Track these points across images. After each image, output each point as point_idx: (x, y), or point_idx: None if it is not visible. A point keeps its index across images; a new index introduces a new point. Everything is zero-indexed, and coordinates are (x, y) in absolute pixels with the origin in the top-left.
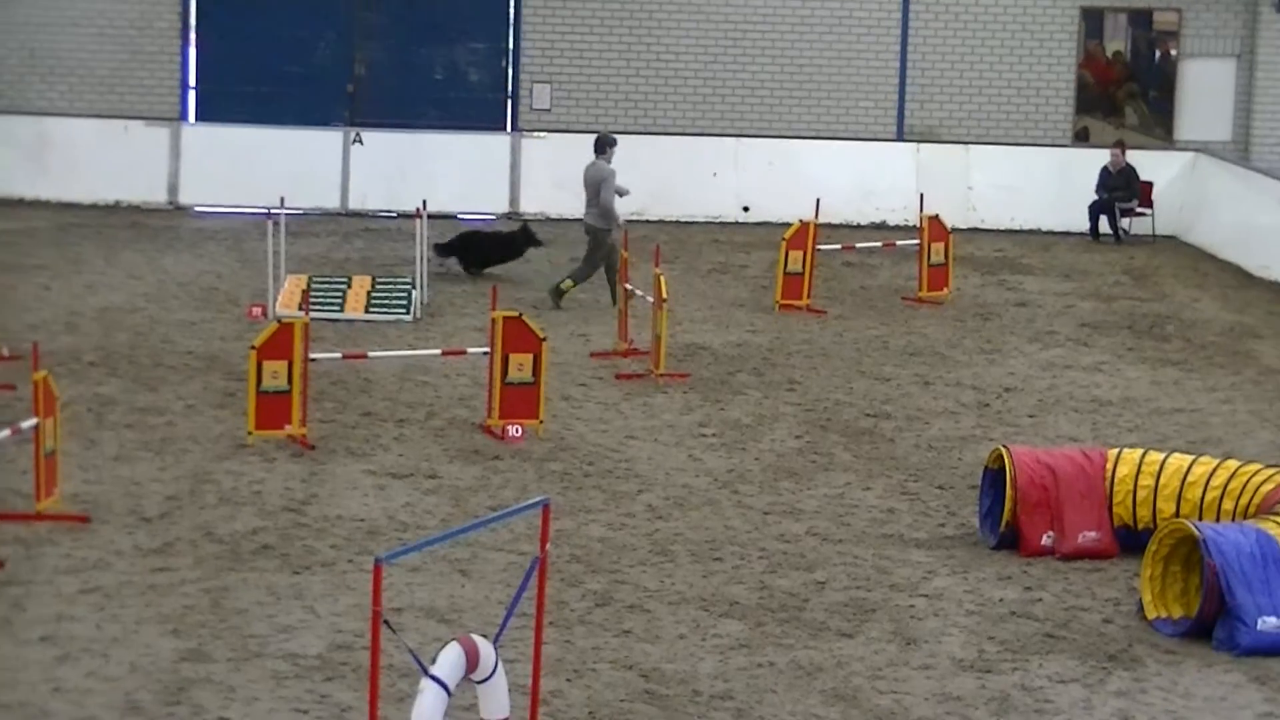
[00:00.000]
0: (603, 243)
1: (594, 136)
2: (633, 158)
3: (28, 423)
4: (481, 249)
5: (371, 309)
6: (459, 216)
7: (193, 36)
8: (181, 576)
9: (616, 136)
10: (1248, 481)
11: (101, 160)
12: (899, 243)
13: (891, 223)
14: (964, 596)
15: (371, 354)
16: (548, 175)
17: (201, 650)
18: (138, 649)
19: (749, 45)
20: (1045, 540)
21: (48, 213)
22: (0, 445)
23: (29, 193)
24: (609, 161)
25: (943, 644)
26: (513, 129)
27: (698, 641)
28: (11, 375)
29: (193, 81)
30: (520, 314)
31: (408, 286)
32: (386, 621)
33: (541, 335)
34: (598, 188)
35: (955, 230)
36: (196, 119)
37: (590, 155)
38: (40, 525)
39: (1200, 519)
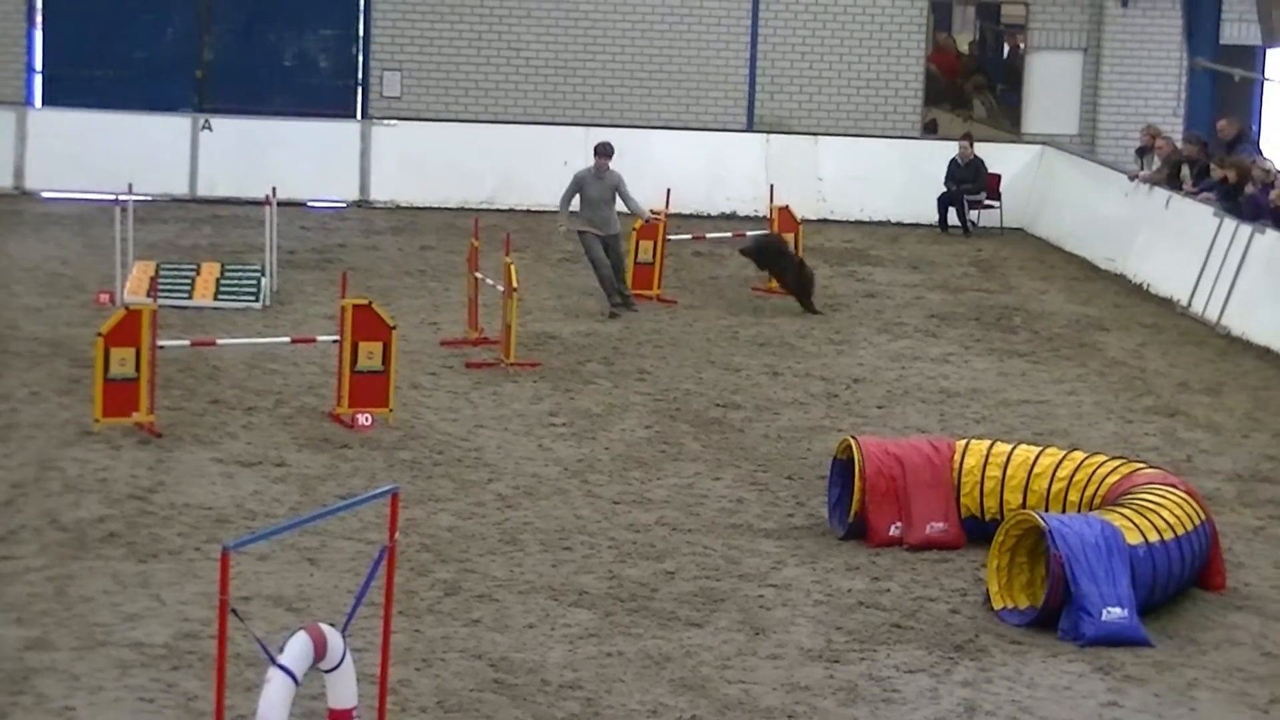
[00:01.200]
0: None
1: (601, 143)
2: (483, 146)
3: None
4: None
5: (220, 296)
6: (309, 204)
7: (39, 19)
8: (26, 564)
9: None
10: (1093, 473)
11: None
12: (749, 233)
13: (741, 213)
14: (812, 586)
15: (220, 341)
16: (398, 163)
17: (46, 639)
18: None
19: (600, 34)
20: (893, 530)
21: None
22: None
23: None
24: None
25: (791, 634)
26: (363, 116)
27: (547, 631)
28: None
29: (39, 65)
30: (370, 302)
31: (257, 274)
32: (234, 610)
33: (391, 323)
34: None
35: (805, 221)
36: (43, 103)
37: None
38: None
39: (1047, 510)
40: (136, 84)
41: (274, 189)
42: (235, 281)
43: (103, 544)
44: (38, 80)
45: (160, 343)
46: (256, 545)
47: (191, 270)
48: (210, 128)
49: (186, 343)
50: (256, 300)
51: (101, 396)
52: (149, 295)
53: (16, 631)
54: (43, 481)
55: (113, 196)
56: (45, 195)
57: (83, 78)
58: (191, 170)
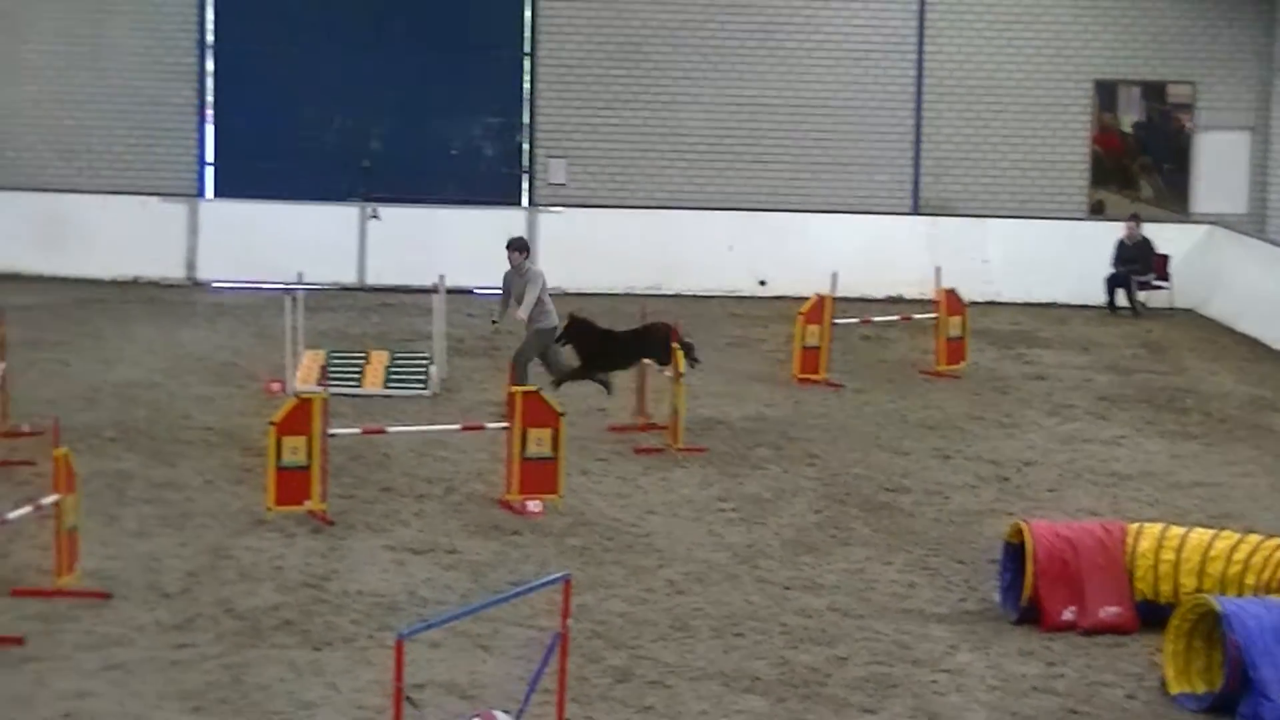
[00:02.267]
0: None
1: (513, 239)
2: (647, 232)
3: (48, 499)
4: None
5: (389, 384)
6: (475, 291)
7: (210, 113)
8: (202, 652)
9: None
10: (1270, 556)
11: (119, 236)
12: (915, 316)
13: (907, 296)
14: (986, 672)
15: (390, 429)
16: (563, 249)
17: None
18: None
19: (763, 118)
20: (1066, 615)
21: (66, 289)
22: (21, 521)
23: (46, 269)
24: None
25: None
26: (529, 203)
27: (719, 718)
28: (32, 451)
29: (210, 157)
30: (538, 389)
31: (425, 361)
32: (409, 697)
33: (560, 410)
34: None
35: (971, 303)
36: (214, 195)
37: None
38: (61, 601)
39: (1223, 594)
40: (305, 175)
41: (442, 277)
42: (404, 369)
43: (277, 631)
44: (209, 172)
45: (331, 431)
46: (429, 632)
47: (361, 358)
48: (378, 217)
49: (357, 431)
50: (425, 388)
51: (274, 485)
52: (319, 384)
53: (195, 719)
54: (217, 569)
55: (282, 286)
56: (216, 285)
57: (253, 169)
58: (360, 259)
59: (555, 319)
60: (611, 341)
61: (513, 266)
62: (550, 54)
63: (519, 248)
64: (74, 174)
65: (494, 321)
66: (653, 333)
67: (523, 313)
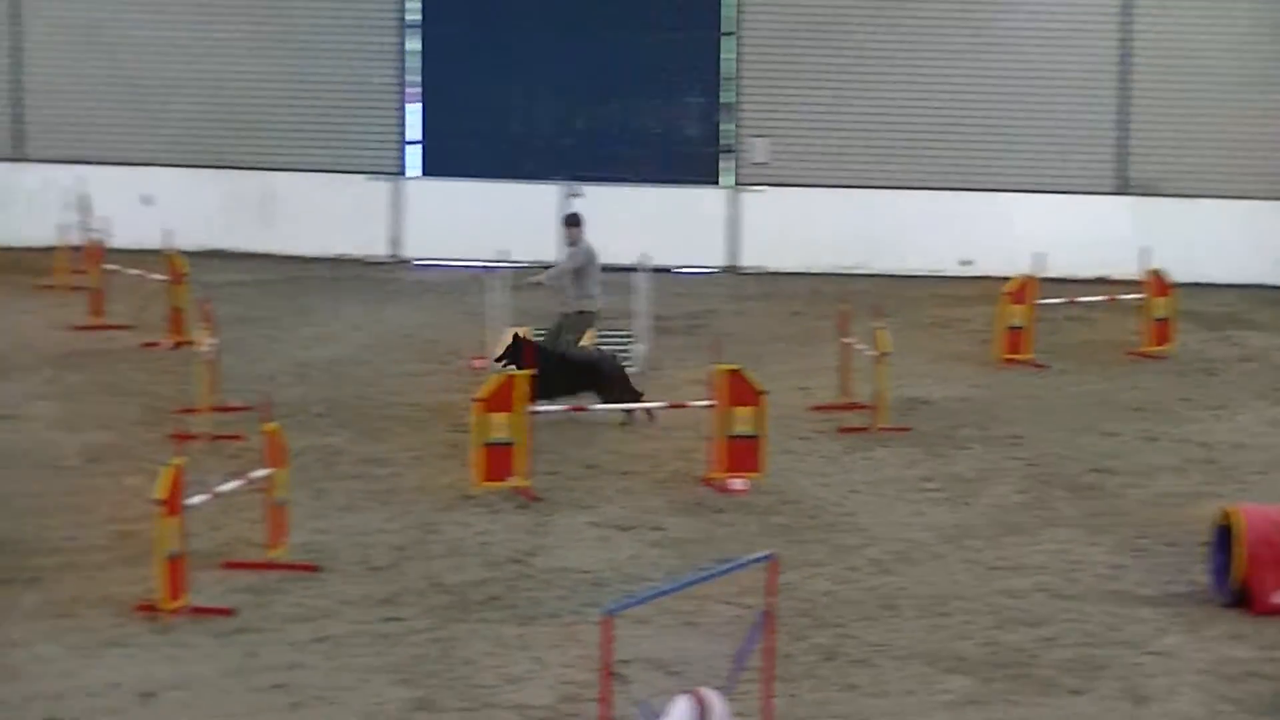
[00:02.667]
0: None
1: (567, 214)
2: (851, 211)
3: (259, 473)
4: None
5: None
6: (678, 270)
7: (414, 92)
8: (410, 626)
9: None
10: None
11: (327, 214)
12: (1121, 297)
13: (1113, 277)
14: (1195, 655)
15: (594, 406)
16: (765, 229)
17: (431, 700)
18: (369, 698)
19: (967, 97)
20: (1276, 598)
21: (275, 265)
22: (232, 495)
23: (255, 246)
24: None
25: (1174, 703)
26: (730, 183)
27: (925, 697)
28: (242, 426)
29: (415, 136)
30: (741, 367)
31: (629, 340)
32: (616, 673)
33: (762, 389)
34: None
35: (1179, 284)
36: (419, 173)
37: None
38: (271, 574)
39: None
40: (508, 153)
41: (645, 255)
42: (609, 347)
43: (484, 606)
44: (412, 151)
45: (535, 408)
46: (635, 609)
47: None
48: (580, 194)
49: (561, 408)
50: (629, 366)
51: (480, 461)
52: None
53: (403, 692)
54: (425, 545)
55: (485, 264)
56: (420, 263)
57: (456, 148)
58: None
59: (597, 304)
60: (556, 366)
61: (569, 241)
62: (753, 33)
63: (572, 223)
64: (282, 153)
65: (534, 281)
66: (603, 368)
67: (544, 278)
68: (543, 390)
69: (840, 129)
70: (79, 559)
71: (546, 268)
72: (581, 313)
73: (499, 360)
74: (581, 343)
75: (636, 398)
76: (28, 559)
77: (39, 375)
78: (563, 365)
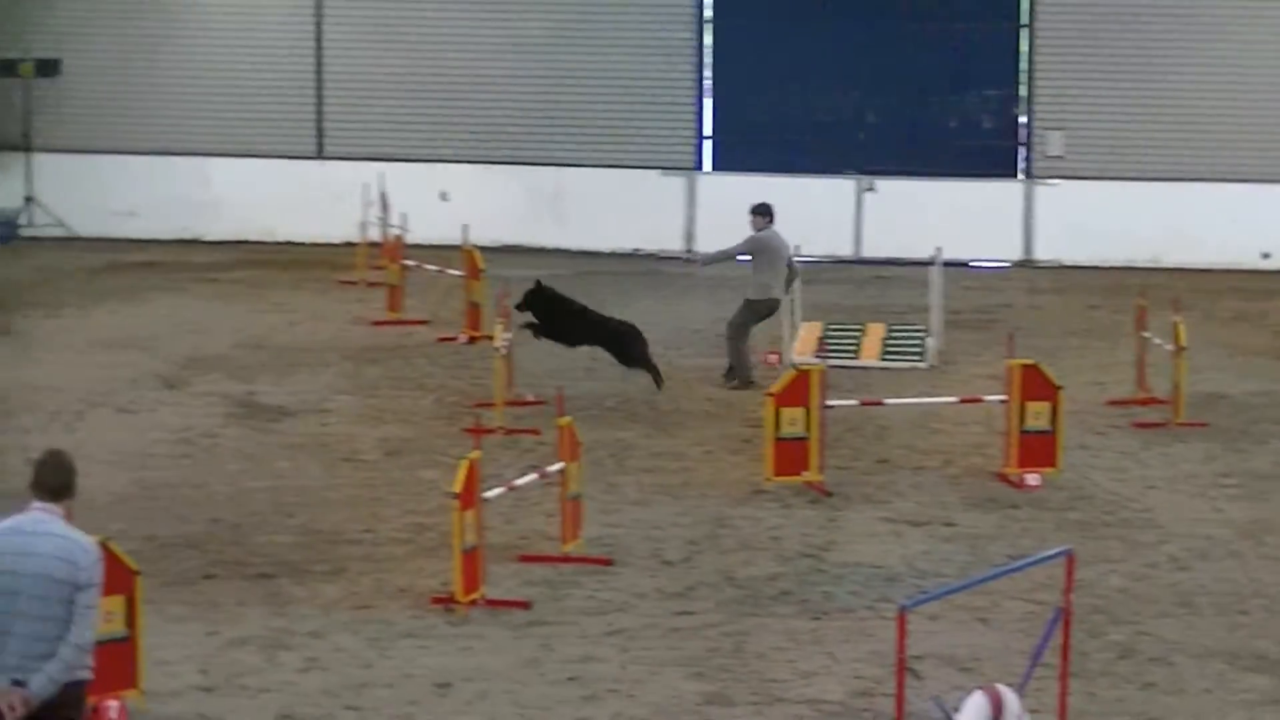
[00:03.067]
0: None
1: (762, 203)
2: (1148, 204)
3: (553, 467)
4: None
5: (886, 356)
6: (971, 264)
7: (709, 88)
8: (703, 620)
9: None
10: None
11: (620, 209)
12: None
13: None
14: None
15: (887, 401)
16: (1061, 222)
17: (724, 694)
18: (661, 691)
19: (1265, 89)
20: None
21: (567, 261)
22: (527, 488)
23: (548, 242)
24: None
25: None
26: (1026, 176)
27: (1223, 696)
28: (536, 420)
29: (709, 132)
30: (1036, 362)
31: (922, 334)
32: (911, 669)
33: (1058, 383)
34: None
35: None
36: (712, 168)
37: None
38: (565, 567)
39: None
40: (801, 148)
41: (938, 250)
42: (900, 342)
43: (776, 601)
44: (707, 146)
45: (828, 402)
46: (927, 604)
47: (858, 331)
48: (874, 189)
49: (854, 403)
50: (922, 360)
51: (772, 456)
52: (817, 356)
53: (696, 685)
54: (717, 539)
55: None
56: None
57: (750, 143)
58: (855, 232)
59: (769, 294)
60: (571, 316)
61: (753, 229)
62: (1049, 25)
63: (757, 212)
64: (576, 149)
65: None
66: (617, 329)
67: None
68: (559, 336)
69: (1136, 121)
70: (377, 551)
71: (838, 262)
72: (749, 301)
73: (518, 308)
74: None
75: (650, 367)
76: (328, 551)
77: (339, 369)
78: (582, 317)
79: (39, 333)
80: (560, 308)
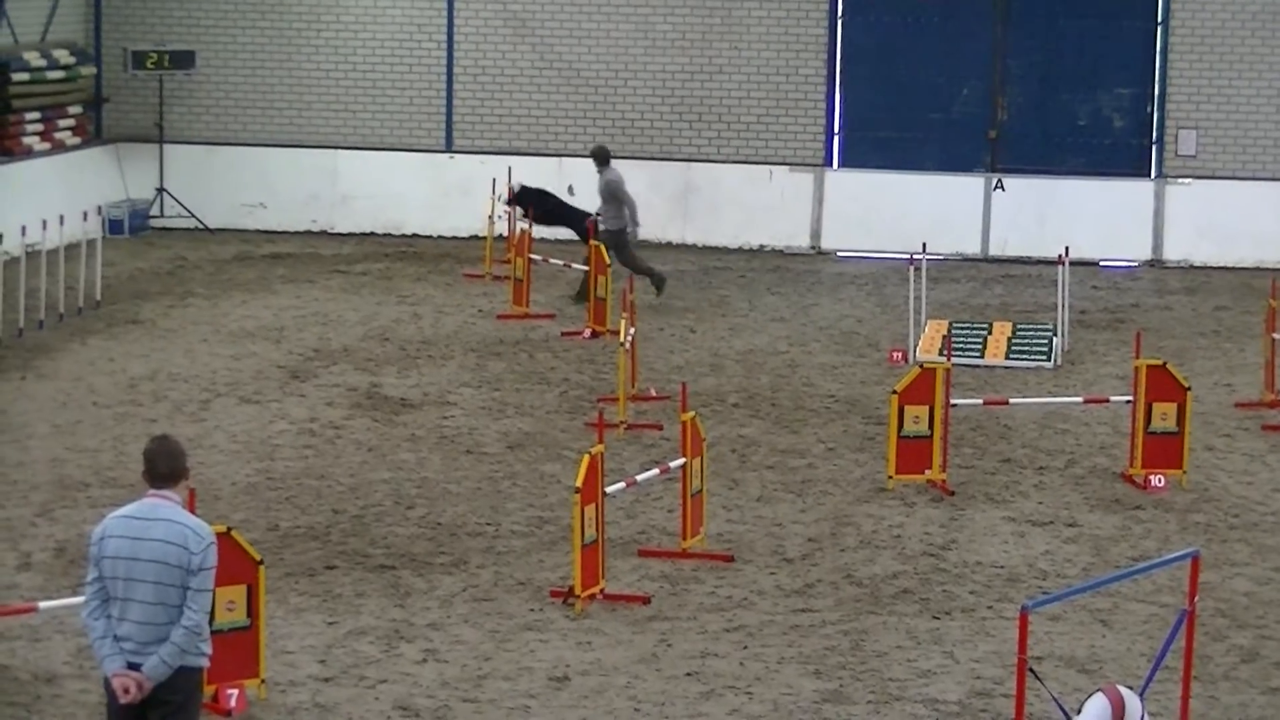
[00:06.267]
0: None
1: (593, 148)
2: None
3: (676, 462)
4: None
5: (1012, 355)
6: (1100, 264)
7: (839, 83)
8: (822, 618)
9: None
10: None
11: (747, 205)
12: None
13: None
14: None
15: (1012, 400)
16: (1192, 222)
17: (842, 692)
18: (780, 688)
19: None
20: None
21: (694, 256)
22: (649, 483)
23: (675, 237)
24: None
25: None
26: (1157, 175)
27: None
28: (659, 415)
29: (837, 128)
30: (1164, 362)
31: (1048, 333)
32: (1032, 670)
33: (1185, 384)
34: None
35: None
36: (840, 165)
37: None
38: (686, 563)
39: None
40: (930, 145)
41: (1066, 249)
42: (1027, 341)
43: (896, 600)
44: (836, 142)
45: (953, 401)
46: (1049, 605)
47: (983, 329)
48: (1003, 188)
49: (979, 402)
50: (1048, 360)
51: (895, 453)
52: (942, 354)
53: (814, 683)
54: (838, 536)
55: (906, 256)
56: (840, 255)
57: (878, 139)
58: (983, 230)
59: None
60: (555, 205)
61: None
62: (1184, 23)
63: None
64: (704, 144)
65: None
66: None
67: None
68: (548, 221)
69: (1270, 120)
70: (497, 544)
71: (965, 260)
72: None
73: (508, 204)
74: None
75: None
76: (448, 543)
77: (463, 362)
78: (559, 208)
79: (167, 323)
80: (544, 199)
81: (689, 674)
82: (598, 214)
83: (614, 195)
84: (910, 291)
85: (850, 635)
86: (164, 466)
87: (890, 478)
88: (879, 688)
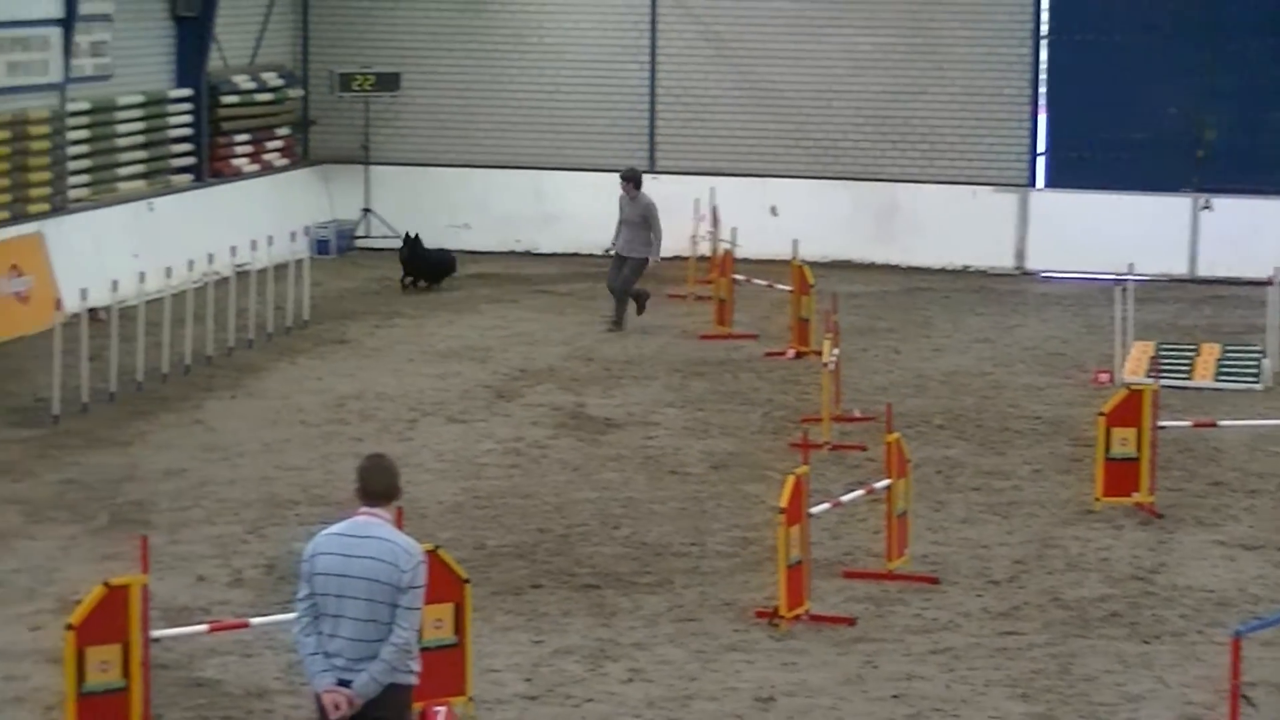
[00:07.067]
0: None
1: (627, 170)
2: None
3: (880, 483)
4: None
5: (1220, 377)
6: None
7: (1043, 104)
8: (1029, 640)
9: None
10: None
11: (949, 226)
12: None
13: None
14: None
15: (1221, 422)
16: None
17: (1050, 715)
18: (986, 711)
19: None
20: None
21: (896, 277)
22: (853, 504)
23: (878, 257)
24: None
25: None
26: None
27: None
28: (864, 436)
29: (1042, 148)
30: None
31: (1258, 355)
32: (1245, 696)
33: None
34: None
35: None
36: (1044, 185)
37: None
38: (891, 584)
39: None
40: (1136, 165)
41: (1277, 269)
42: (1236, 362)
43: (1104, 623)
44: (1040, 163)
45: (1161, 423)
46: (1261, 630)
47: (1191, 350)
48: (1210, 207)
49: (1187, 423)
50: (1257, 382)
51: (1102, 476)
52: (1149, 375)
53: (1021, 707)
54: (1045, 559)
55: (1112, 277)
56: (1045, 275)
57: (1083, 159)
58: (1190, 250)
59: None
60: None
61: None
62: None
63: (629, 178)
64: (907, 164)
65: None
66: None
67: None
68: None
69: None
70: (702, 564)
71: (1172, 280)
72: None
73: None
74: None
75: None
76: (653, 563)
77: (666, 382)
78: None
79: (373, 342)
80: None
81: (894, 696)
82: (615, 243)
83: (648, 220)
84: (1116, 312)
85: (1058, 659)
86: (378, 484)
87: (1097, 500)
88: (1088, 712)
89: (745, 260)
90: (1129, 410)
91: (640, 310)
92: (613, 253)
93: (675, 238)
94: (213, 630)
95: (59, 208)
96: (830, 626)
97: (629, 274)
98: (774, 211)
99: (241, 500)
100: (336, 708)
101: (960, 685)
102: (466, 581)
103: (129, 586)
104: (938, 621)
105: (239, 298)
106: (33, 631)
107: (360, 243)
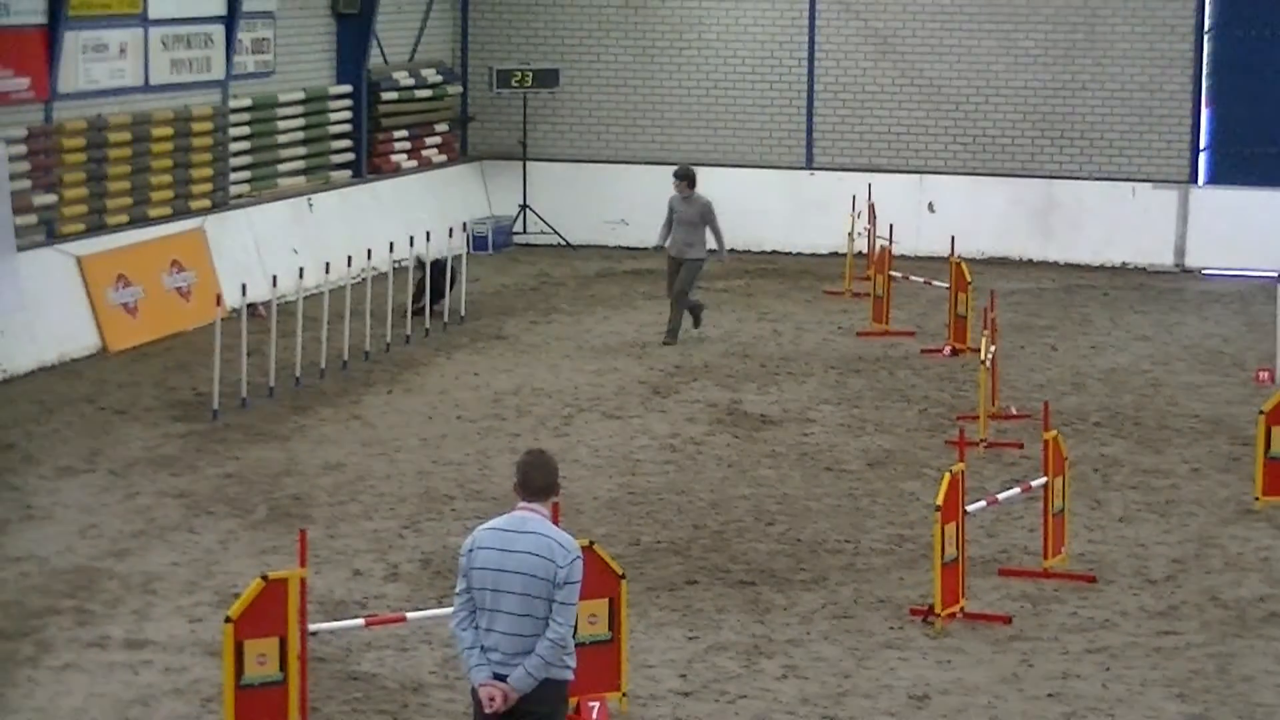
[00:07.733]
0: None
1: (681, 168)
2: None
3: (1037, 481)
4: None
5: None
6: None
7: (1205, 99)
8: (1187, 640)
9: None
10: None
11: (1108, 222)
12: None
13: None
14: None
15: None
16: None
17: (1208, 716)
18: (1143, 711)
19: None
20: None
21: (1055, 273)
22: (1010, 502)
23: (1036, 254)
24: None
25: None
26: None
27: None
28: (1021, 433)
29: (1204, 144)
30: None
31: None
32: None
33: None
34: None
35: None
36: (1206, 181)
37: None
38: (1048, 583)
39: None
40: None
41: None
42: None
43: (1265, 623)
44: (1202, 159)
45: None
46: None
47: None
48: None
49: None
50: None
51: (1263, 475)
52: None
53: (1178, 706)
54: (1203, 558)
55: (1274, 274)
56: (1206, 273)
57: (1247, 155)
58: None
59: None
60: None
61: (680, 196)
62: None
63: (683, 177)
64: (1066, 160)
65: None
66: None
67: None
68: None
69: None
70: (857, 561)
71: None
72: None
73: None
74: None
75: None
76: (808, 560)
77: (823, 379)
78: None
79: (531, 338)
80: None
81: (1051, 695)
82: (662, 243)
83: (706, 220)
84: (1279, 310)
85: (1216, 659)
86: (538, 480)
87: (1257, 499)
88: (1246, 713)
89: (902, 257)
90: None
91: (696, 323)
92: (669, 253)
93: (832, 235)
94: (369, 624)
95: (220, 204)
96: (986, 625)
97: (686, 277)
98: (931, 208)
99: (398, 495)
100: (492, 700)
101: (1117, 684)
102: (622, 577)
103: (287, 580)
104: (1094, 620)
105: (397, 293)
106: (192, 624)
107: (518, 239)
